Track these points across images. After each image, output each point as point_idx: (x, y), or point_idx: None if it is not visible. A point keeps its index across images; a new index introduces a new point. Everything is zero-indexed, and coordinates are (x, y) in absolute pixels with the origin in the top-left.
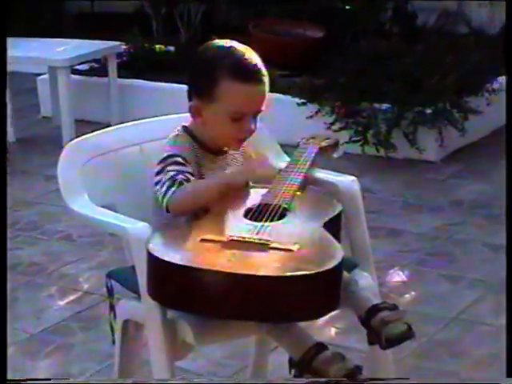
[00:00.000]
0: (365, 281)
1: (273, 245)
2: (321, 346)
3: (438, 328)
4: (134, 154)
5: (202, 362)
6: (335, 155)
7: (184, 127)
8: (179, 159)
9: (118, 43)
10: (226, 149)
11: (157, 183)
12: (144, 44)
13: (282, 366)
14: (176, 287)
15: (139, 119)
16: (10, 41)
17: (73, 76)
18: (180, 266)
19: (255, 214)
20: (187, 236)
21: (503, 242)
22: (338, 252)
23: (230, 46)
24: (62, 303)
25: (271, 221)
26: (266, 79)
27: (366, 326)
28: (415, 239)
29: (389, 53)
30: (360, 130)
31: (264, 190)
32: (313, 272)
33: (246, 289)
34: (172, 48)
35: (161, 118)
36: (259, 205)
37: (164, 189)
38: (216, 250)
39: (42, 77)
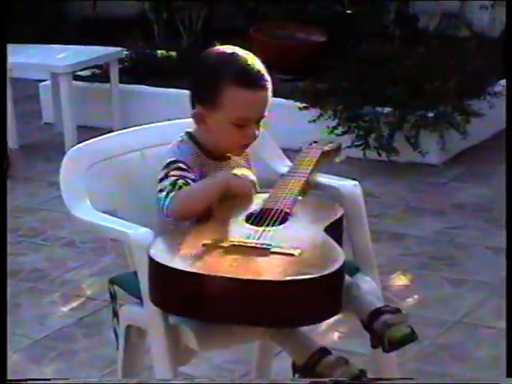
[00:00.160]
0: (367, 285)
1: (274, 249)
2: (324, 351)
3: (441, 331)
4: (135, 160)
5: (205, 367)
6: (337, 160)
7: (187, 133)
8: (182, 165)
9: (119, 49)
10: (229, 155)
11: (160, 190)
12: (145, 49)
13: (286, 370)
14: (178, 293)
15: (141, 125)
16: (11, 47)
17: (75, 82)
18: (182, 271)
19: (257, 219)
20: (189, 241)
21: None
22: (340, 256)
23: (233, 53)
24: (64, 309)
25: (273, 225)
26: (270, 85)
27: (368, 330)
28: (417, 243)
29: (391, 56)
30: (362, 134)
31: (266, 195)
32: (315, 276)
33: (248, 294)
34: (174, 53)
35: (162, 123)
36: (261, 209)
37: (164, 193)
38: (218, 255)
39: (43, 83)
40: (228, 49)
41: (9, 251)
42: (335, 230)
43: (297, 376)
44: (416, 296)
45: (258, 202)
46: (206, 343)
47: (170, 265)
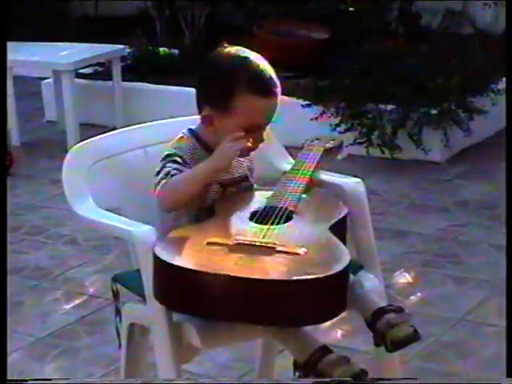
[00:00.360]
0: (370, 283)
1: (279, 248)
2: (326, 349)
3: (445, 329)
4: (138, 157)
5: (208, 365)
6: (339, 157)
7: (190, 130)
8: (178, 159)
9: (121, 46)
10: None
11: (156, 184)
12: (148, 47)
13: (288, 368)
14: (183, 290)
15: (144, 122)
16: (14, 45)
17: (77, 80)
18: (187, 269)
19: (261, 217)
20: (194, 239)
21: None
22: (345, 255)
23: (246, 57)
24: (67, 307)
25: (277, 224)
26: (279, 90)
27: (371, 329)
28: (421, 240)
29: (393, 54)
30: (365, 132)
31: (269, 193)
32: (320, 276)
33: (252, 292)
34: (176, 51)
35: (165, 120)
36: (265, 207)
37: (159, 187)
38: (223, 254)
39: (46, 81)
40: (239, 51)
41: (11, 249)
42: (340, 229)
43: (297, 374)
44: (419, 293)
45: (261, 199)
46: (209, 341)
47: (175, 263)
